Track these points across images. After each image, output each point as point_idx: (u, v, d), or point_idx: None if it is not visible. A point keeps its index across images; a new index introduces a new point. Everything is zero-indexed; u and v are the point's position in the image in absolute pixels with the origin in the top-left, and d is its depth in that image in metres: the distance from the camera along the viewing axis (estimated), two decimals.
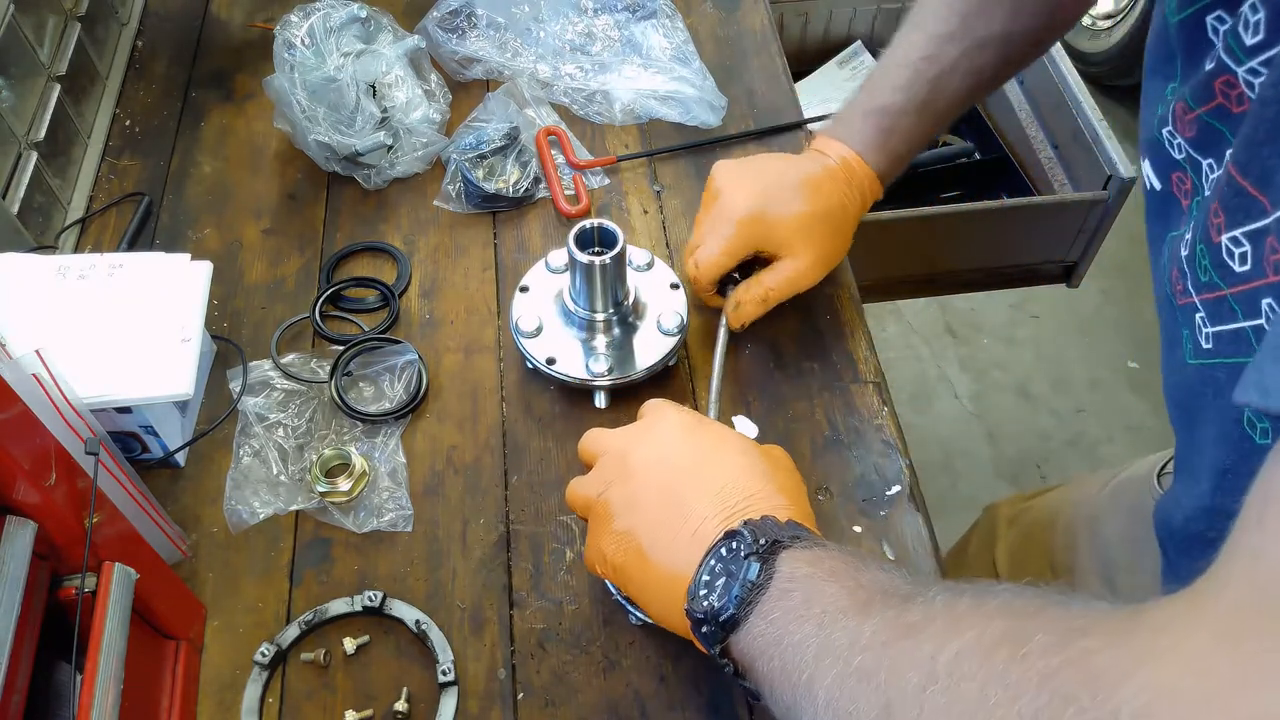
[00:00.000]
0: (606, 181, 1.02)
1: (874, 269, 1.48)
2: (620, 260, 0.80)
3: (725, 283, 0.86)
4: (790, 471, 0.66)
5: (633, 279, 0.86)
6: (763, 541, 0.53)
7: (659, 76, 1.08)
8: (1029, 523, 1.05)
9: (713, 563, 0.56)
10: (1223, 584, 0.36)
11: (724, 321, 0.85)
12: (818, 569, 0.52)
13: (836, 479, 0.80)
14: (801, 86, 1.73)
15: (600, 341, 0.85)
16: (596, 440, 0.69)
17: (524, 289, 0.88)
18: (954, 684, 0.40)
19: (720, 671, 0.70)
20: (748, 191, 0.83)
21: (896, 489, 0.80)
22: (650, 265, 0.89)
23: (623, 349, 0.84)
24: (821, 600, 0.50)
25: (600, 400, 0.84)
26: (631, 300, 0.85)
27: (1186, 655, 0.34)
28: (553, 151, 1.03)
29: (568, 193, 1.00)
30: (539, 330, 0.85)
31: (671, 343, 0.84)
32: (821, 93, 1.74)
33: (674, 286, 0.88)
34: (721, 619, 0.53)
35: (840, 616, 0.48)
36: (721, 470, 0.62)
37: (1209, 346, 0.54)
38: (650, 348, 0.84)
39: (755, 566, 0.53)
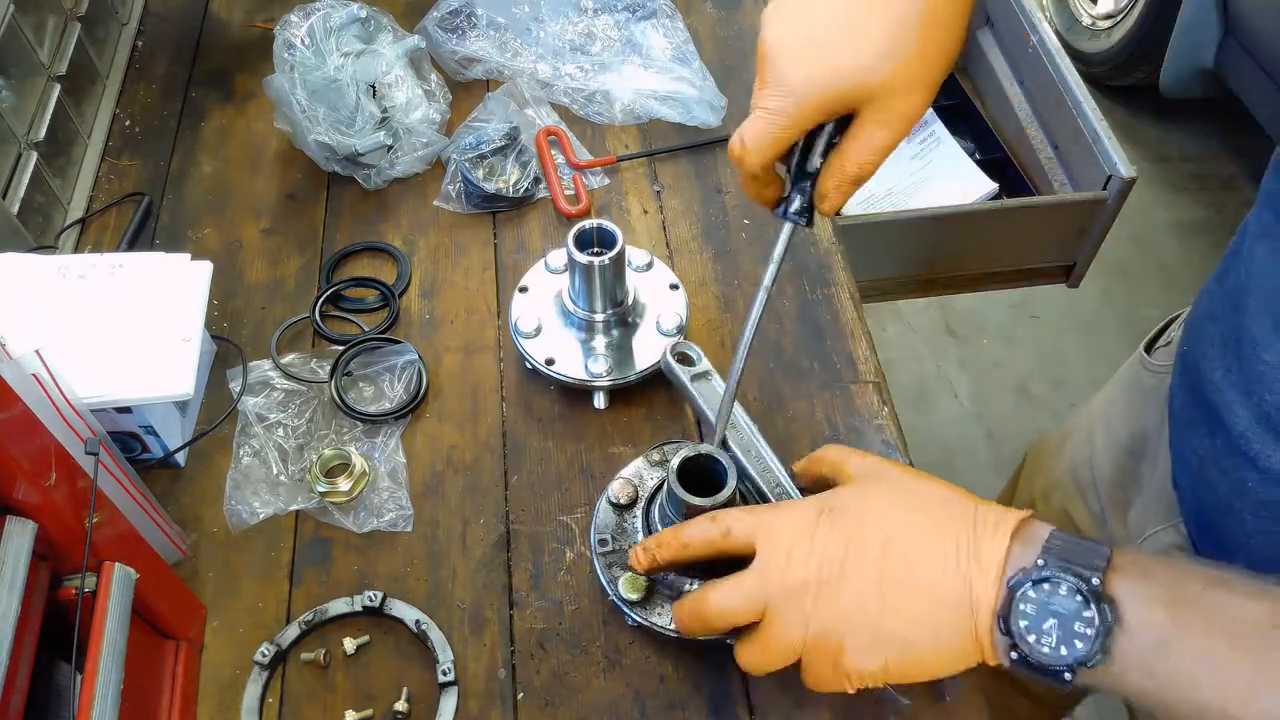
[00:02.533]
0: (606, 181, 1.02)
1: (874, 269, 1.48)
2: (619, 261, 0.80)
3: (794, 166, 0.66)
4: (910, 471, 0.64)
5: (632, 279, 0.86)
6: (1095, 581, 0.53)
7: (659, 76, 1.08)
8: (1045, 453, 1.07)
9: (1023, 607, 0.54)
10: None
11: (785, 229, 0.67)
12: (1181, 618, 0.52)
13: None
14: None
15: (599, 342, 0.85)
16: (728, 606, 0.62)
17: (523, 289, 0.88)
18: None
19: (721, 672, 0.71)
20: (803, 32, 0.62)
21: None
22: (650, 266, 0.89)
23: (622, 349, 0.84)
24: (1230, 672, 0.50)
25: (599, 401, 0.84)
26: (631, 300, 0.85)
27: None
28: (553, 151, 1.03)
29: (568, 193, 1.00)
30: (538, 330, 0.85)
31: (670, 344, 0.84)
32: None
33: (673, 287, 0.88)
34: (1090, 665, 0.53)
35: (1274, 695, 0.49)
36: (902, 526, 0.60)
37: None
38: (649, 348, 0.84)
39: (1106, 611, 0.52)
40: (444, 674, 0.70)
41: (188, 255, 0.84)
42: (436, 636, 0.72)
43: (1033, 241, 1.50)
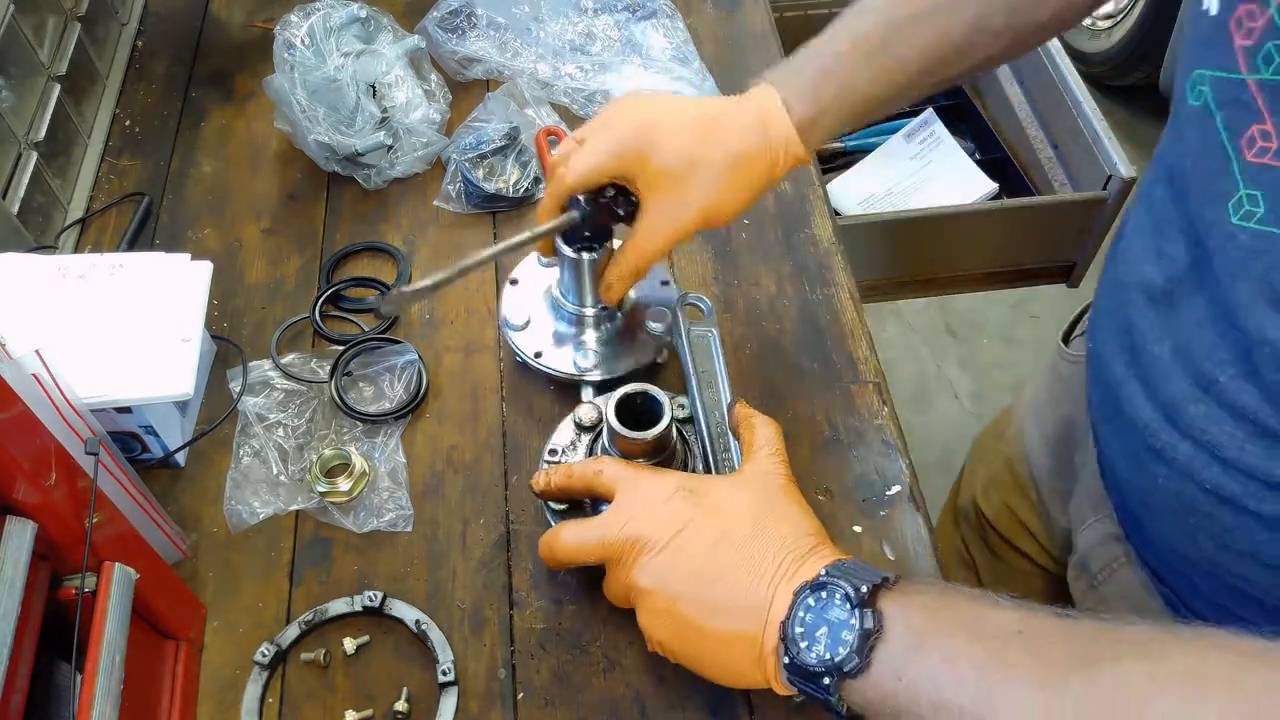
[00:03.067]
0: None
1: (874, 269, 1.48)
2: (608, 256, 0.81)
3: (585, 225, 0.76)
4: (788, 493, 0.66)
5: None
6: (864, 590, 0.55)
7: (659, 76, 1.08)
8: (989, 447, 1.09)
9: (801, 614, 0.56)
10: None
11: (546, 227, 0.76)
12: (936, 620, 0.53)
13: (836, 479, 0.80)
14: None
15: (588, 336, 0.85)
16: (572, 542, 0.68)
17: (514, 282, 0.89)
18: None
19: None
20: (636, 109, 0.74)
21: (896, 489, 0.80)
22: None
23: (610, 344, 0.85)
24: (966, 664, 0.51)
25: (588, 396, 0.85)
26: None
27: None
28: (553, 151, 1.03)
29: None
30: (528, 324, 0.86)
31: (658, 343, 0.85)
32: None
33: (664, 283, 0.88)
34: (846, 669, 0.54)
35: (1000, 685, 0.49)
36: (747, 528, 0.62)
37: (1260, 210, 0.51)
38: (638, 344, 0.85)
39: (868, 615, 0.54)
40: (444, 674, 0.70)
41: (188, 255, 0.83)
42: (436, 636, 0.72)
43: (1033, 241, 1.51)
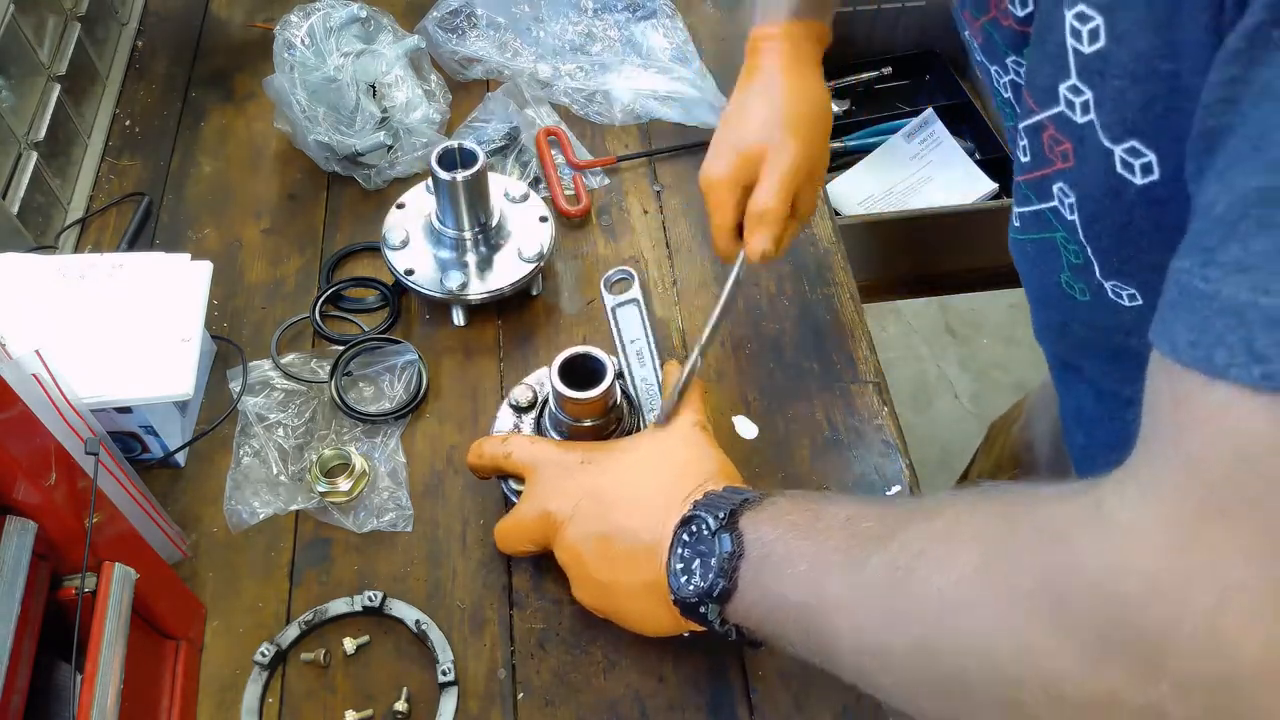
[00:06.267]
0: (606, 181, 1.02)
1: (874, 269, 1.48)
2: (479, 179, 0.83)
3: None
4: (686, 438, 0.68)
5: (504, 207, 0.90)
6: (721, 516, 0.57)
7: (659, 76, 1.08)
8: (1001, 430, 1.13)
9: (680, 550, 0.59)
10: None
11: (738, 263, 0.79)
12: (779, 525, 0.55)
13: (836, 479, 0.80)
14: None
15: (461, 259, 0.88)
16: (507, 530, 0.72)
17: (400, 205, 0.91)
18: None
19: (721, 672, 0.71)
20: (719, 146, 0.80)
21: (896, 489, 0.80)
22: (525, 198, 0.92)
23: (482, 269, 0.88)
24: (800, 559, 0.53)
25: (458, 317, 0.88)
26: (495, 224, 0.88)
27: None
28: (553, 151, 1.03)
29: (568, 193, 1.00)
30: (405, 243, 0.88)
31: (529, 269, 0.87)
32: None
33: (542, 219, 0.90)
34: (716, 593, 0.56)
35: (824, 574, 0.51)
36: (640, 484, 0.65)
37: (1018, 225, 0.60)
38: (508, 270, 0.88)
39: (726, 539, 0.56)
40: (444, 674, 0.70)
41: (188, 255, 0.83)
42: (436, 636, 0.72)
43: None
